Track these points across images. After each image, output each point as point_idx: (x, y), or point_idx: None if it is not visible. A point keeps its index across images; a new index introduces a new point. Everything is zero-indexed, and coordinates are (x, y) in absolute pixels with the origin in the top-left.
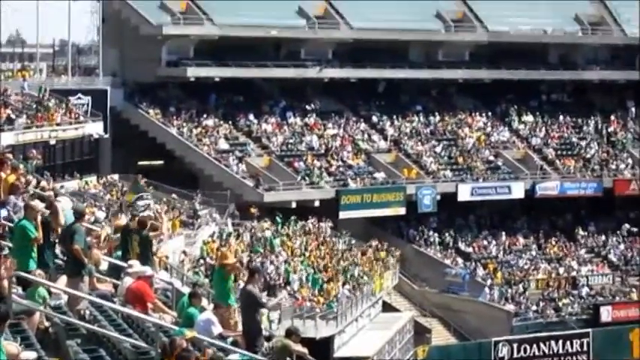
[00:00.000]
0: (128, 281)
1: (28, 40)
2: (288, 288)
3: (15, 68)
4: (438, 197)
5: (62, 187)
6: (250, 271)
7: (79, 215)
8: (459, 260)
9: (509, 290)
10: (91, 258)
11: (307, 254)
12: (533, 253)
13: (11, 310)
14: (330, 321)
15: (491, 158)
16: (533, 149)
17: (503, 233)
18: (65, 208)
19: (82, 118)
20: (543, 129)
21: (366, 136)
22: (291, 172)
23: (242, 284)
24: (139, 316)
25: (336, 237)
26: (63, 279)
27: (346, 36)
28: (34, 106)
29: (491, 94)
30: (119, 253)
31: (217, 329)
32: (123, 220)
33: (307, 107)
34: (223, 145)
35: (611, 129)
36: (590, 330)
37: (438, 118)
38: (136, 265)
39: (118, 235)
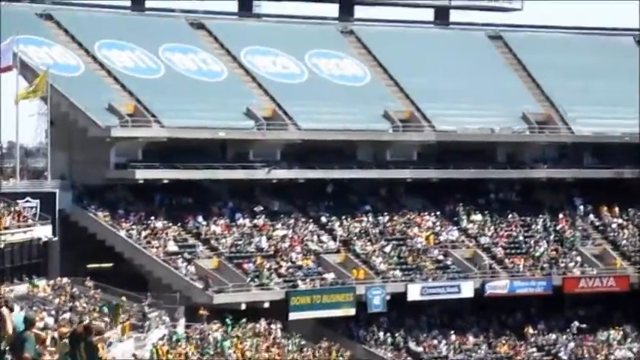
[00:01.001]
0: None
1: None
2: None
3: None
4: (388, 297)
5: (12, 290)
6: None
7: (29, 323)
8: None
9: None
10: None
11: (258, 356)
12: (484, 352)
13: None
14: None
15: (441, 257)
16: (482, 248)
17: (453, 332)
18: (15, 315)
19: (30, 222)
20: (492, 228)
21: (315, 236)
22: (241, 274)
23: None
24: None
25: (286, 338)
26: None
27: (294, 137)
28: None
29: (439, 194)
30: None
31: None
32: (67, 326)
33: (256, 209)
34: (172, 247)
35: (559, 227)
36: None
37: (387, 217)
38: None
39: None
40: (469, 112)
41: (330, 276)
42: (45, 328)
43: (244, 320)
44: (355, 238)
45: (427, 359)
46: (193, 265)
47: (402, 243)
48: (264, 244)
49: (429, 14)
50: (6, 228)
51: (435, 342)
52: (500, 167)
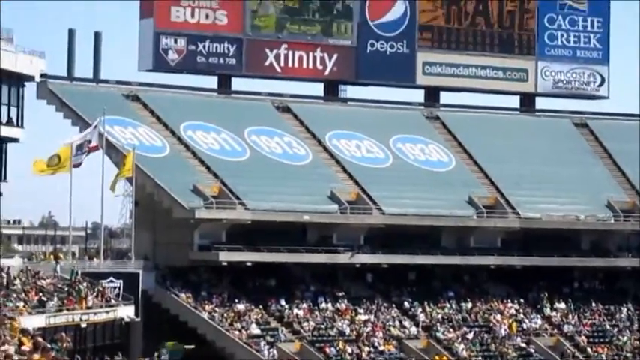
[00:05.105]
0: None
1: (61, 222)
2: None
3: (47, 251)
4: None
5: None
6: None
7: None
8: None
9: None
10: None
11: None
12: None
13: None
14: None
15: (523, 345)
16: (565, 336)
17: None
18: None
19: (113, 302)
20: (575, 316)
21: (397, 322)
22: (323, 358)
23: None
24: None
25: None
26: None
27: (378, 221)
28: (66, 288)
29: (523, 281)
30: None
31: None
32: None
33: (338, 293)
34: (254, 329)
35: None
36: None
37: (469, 304)
38: None
39: None
40: (554, 199)
41: None
42: None
43: None
44: (438, 324)
45: None
46: (275, 348)
47: (485, 330)
48: (347, 328)
49: (514, 101)
50: (89, 307)
51: None
52: (584, 255)
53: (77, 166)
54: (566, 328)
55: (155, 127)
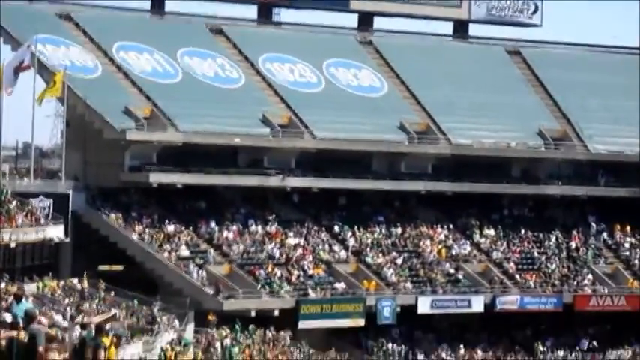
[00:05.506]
0: None
1: None
2: None
3: None
4: (398, 309)
5: (21, 289)
6: None
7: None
8: None
9: None
10: None
11: None
12: None
13: None
14: None
15: (452, 271)
16: (493, 263)
17: (462, 346)
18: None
19: (43, 222)
20: (504, 243)
21: (327, 246)
22: (252, 281)
23: None
24: None
25: (294, 346)
26: None
27: (309, 145)
28: None
29: (453, 207)
30: None
31: None
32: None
33: (268, 216)
34: (184, 251)
35: (572, 244)
36: None
37: (399, 229)
38: None
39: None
40: (485, 126)
41: (340, 286)
42: (53, 325)
43: (253, 327)
44: (367, 248)
45: None
46: (205, 270)
47: (414, 255)
48: (276, 251)
49: (448, 27)
50: (18, 227)
51: (444, 355)
52: (514, 182)
53: (10, 93)
54: (495, 254)
55: (88, 47)
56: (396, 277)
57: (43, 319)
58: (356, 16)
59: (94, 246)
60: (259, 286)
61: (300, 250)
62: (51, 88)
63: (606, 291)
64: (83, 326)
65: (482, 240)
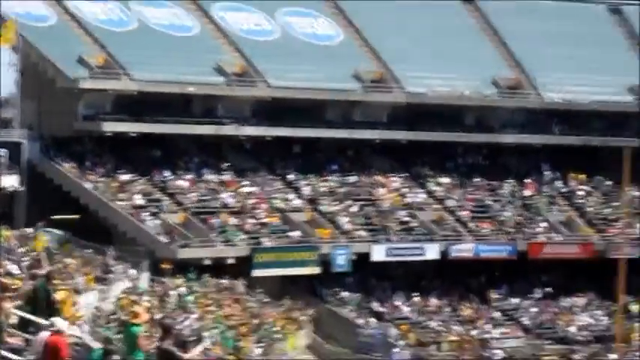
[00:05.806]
0: (44, 335)
1: None
2: (201, 346)
3: None
4: (353, 257)
5: None
6: (164, 328)
7: None
8: (373, 320)
9: (422, 352)
10: (2, 311)
11: (220, 312)
12: (446, 314)
13: None
14: None
15: (406, 219)
16: (448, 211)
17: (417, 294)
18: None
19: None
20: (459, 191)
21: (281, 194)
22: (206, 229)
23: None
24: None
25: (249, 295)
26: None
27: (264, 94)
28: None
29: (407, 156)
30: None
31: None
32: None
33: (223, 165)
34: (138, 200)
35: (526, 192)
36: None
37: (353, 178)
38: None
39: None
40: (440, 75)
41: (295, 234)
42: (8, 274)
43: (208, 276)
44: (322, 197)
45: (390, 320)
46: (159, 219)
47: (369, 203)
48: (230, 200)
49: None
50: None
51: (398, 303)
52: (468, 131)
53: None
54: (449, 202)
55: None
56: (350, 225)
57: None
58: None
59: (49, 195)
60: (214, 235)
61: (254, 199)
62: (4, 36)
63: (560, 239)
64: (33, 276)
65: (437, 188)
